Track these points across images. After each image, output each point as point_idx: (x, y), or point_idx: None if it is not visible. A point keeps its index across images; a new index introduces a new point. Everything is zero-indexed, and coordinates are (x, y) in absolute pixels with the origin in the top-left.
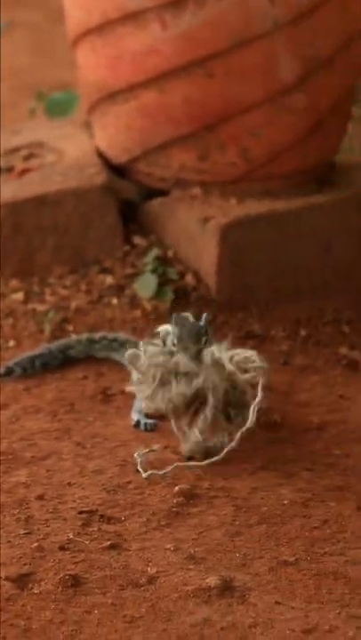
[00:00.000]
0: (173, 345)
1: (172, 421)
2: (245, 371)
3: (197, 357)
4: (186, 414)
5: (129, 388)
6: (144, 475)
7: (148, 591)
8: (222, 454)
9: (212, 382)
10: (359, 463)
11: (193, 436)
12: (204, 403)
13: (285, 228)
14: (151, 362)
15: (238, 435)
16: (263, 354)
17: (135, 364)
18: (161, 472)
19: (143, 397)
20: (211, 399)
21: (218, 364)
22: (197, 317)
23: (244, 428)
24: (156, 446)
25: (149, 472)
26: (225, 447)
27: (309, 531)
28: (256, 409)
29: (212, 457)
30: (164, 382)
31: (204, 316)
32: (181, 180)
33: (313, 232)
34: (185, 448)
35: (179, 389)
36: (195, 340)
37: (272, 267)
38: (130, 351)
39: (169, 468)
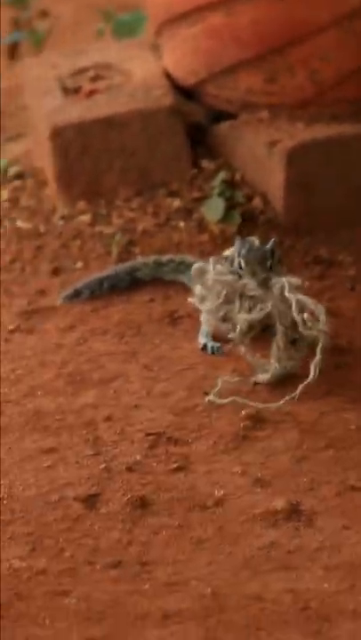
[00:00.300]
0: (240, 268)
1: (240, 346)
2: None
3: (265, 283)
4: (250, 339)
5: (191, 299)
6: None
7: (215, 514)
8: (298, 391)
9: (281, 310)
10: None
11: (265, 363)
12: (268, 329)
13: (353, 153)
14: (218, 278)
15: (299, 388)
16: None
17: (201, 278)
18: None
19: (204, 311)
20: (280, 327)
21: (285, 293)
22: (264, 241)
23: (305, 383)
24: (236, 378)
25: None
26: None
27: None
28: (317, 369)
29: (282, 383)
30: (228, 301)
31: (272, 240)
32: (249, 102)
33: None
34: (260, 375)
35: (246, 314)
36: (261, 265)
37: (339, 191)
38: (196, 265)
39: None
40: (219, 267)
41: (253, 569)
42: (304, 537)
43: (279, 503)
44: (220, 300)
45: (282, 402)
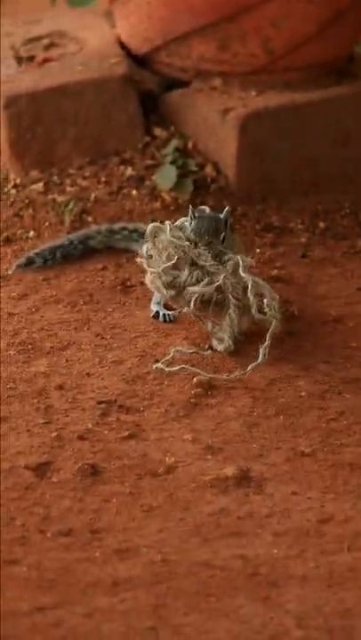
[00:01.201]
0: (195, 237)
1: (194, 316)
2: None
3: (218, 256)
4: (201, 309)
5: (138, 260)
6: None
7: (166, 481)
8: (248, 369)
9: (233, 284)
10: None
11: (219, 332)
12: (220, 302)
13: (305, 120)
14: (173, 241)
15: (249, 368)
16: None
17: (155, 238)
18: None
19: (150, 272)
20: (233, 300)
21: (240, 272)
22: (216, 210)
23: (254, 364)
24: (188, 348)
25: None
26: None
27: (326, 422)
28: (267, 352)
29: (236, 351)
30: (176, 267)
31: (226, 209)
32: (202, 70)
33: (332, 124)
34: (215, 343)
35: (197, 287)
36: (215, 236)
37: (291, 159)
38: (152, 224)
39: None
40: (175, 231)
41: (203, 536)
42: (254, 503)
43: (229, 470)
44: (169, 264)
45: (229, 376)
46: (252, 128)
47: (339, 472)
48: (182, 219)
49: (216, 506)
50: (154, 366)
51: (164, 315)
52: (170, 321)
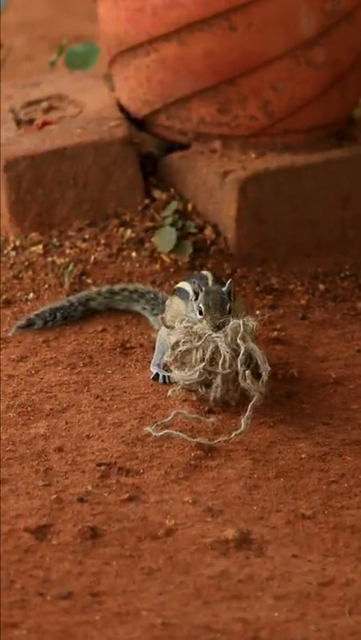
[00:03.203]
0: (200, 313)
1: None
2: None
3: (224, 324)
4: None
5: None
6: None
7: (166, 543)
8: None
9: (227, 350)
10: None
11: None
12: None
13: (304, 183)
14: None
15: (232, 435)
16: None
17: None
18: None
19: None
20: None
21: (237, 339)
22: (216, 272)
23: (236, 432)
24: (192, 413)
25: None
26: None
27: (327, 484)
28: (248, 422)
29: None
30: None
31: (229, 281)
32: (201, 133)
33: (332, 187)
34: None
35: (183, 373)
36: (221, 308)
37: (291, 221)
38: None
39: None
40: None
41: (204, 599)
42: (254, 566)
43: (230, 532)
44: (192, 376)
45: (215, 441)
46: (251, 190)
47: (340, 535)
48: (182, 283)
49: (216, 569)
50: (145, 429)
51: (163, 376)
52: (169, 383)
